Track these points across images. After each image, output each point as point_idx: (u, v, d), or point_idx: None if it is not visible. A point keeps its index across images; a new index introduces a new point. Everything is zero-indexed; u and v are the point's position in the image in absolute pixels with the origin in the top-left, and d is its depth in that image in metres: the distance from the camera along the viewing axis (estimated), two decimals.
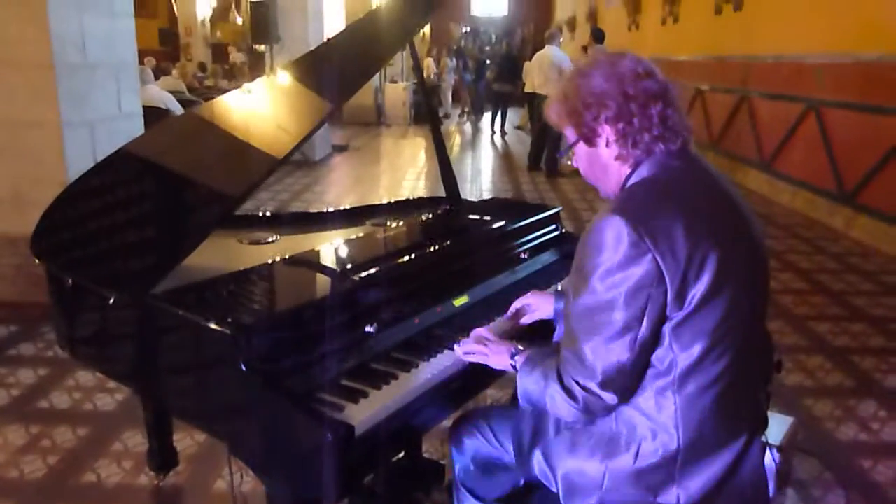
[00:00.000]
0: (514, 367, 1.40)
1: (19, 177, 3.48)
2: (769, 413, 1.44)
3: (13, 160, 3.47)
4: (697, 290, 1.16)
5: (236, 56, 12.73)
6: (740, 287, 1.22)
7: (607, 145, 1.29)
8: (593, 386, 1.19)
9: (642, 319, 1.15)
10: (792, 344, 3.45)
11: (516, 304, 1.72)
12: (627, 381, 1.20)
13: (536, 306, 1.70)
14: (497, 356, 1.45)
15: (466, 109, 15.98)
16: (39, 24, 3.27)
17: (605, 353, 1.17)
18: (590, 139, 1.30)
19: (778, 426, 2.05)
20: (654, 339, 1.18)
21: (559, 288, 2.00)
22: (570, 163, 1.40)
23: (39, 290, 2.30)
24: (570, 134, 1.35)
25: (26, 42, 3.30)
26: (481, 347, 1.48)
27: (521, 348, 1.42)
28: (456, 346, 1.53)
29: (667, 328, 1.18)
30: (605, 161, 1.31)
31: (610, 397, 1.19)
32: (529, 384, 1.31)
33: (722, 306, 1.19)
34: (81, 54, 3.52)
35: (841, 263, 4.83)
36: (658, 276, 1.14)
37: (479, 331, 1.54)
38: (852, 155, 5.55)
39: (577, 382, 1.21)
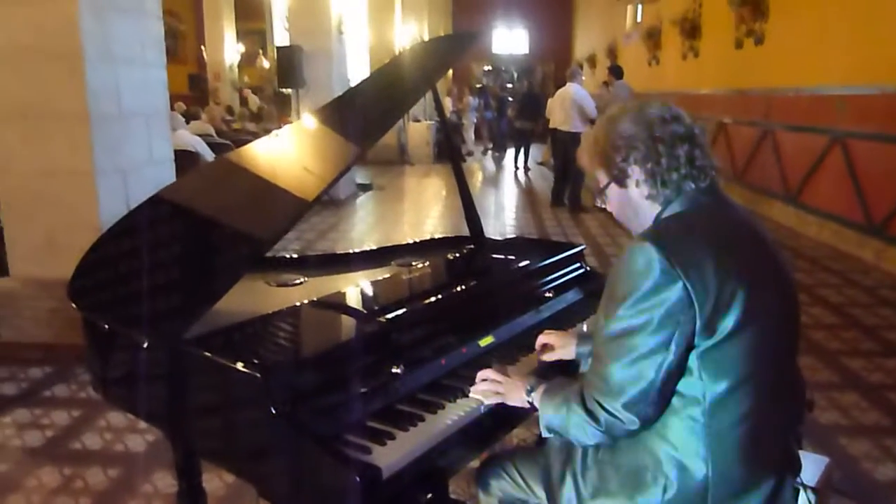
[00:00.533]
0: (530, 403, 1.41)
1: (54, 223, 3.59)
2: (803, 453, 1.43)
3: (49, 207, 3.59)
4: (727, 322, 1.18)
5: (253, 101, 12.95)
6: (770, 323, 1.25)
7: (637, 186, 1.33)
8: (616, 407, 1.21)
9: (670, 344, 1.18)
10: (825, 381, 3.38)
11: (541, 339, 1.74)
12: (651, 406, 1.21)
13: (559, 345, 1.72)
14: (513, 392, 1.46)
15: (489, 147, 16.14)
16: (77, 78, 3.40)
17: (631, 374, 1.20)
18: (620, 180, 1.35)
19: (812, 467, 1.99)
20: (681, 367, 1.20)
21: (584, 328, 2.00)
22: (602, 206, 1.45)
23: (73, 333, 2.37)
24: (601, 177, 1.40)
25: (64, 95, 3.44)
26: (496, 386, 1.49)
27: (538, 382, 1.43)
28: (471, 390, 1.52)
29: (695, 356, 1.20)
30: (636, 201, 1.36)
31: (631, 420, 1.21)
32: (550, 411, 1.33)
33: (751, 341, 1.20)
34: (116, 105, 3.65)
35: (873, 297, 4.74)
36: (688, 302, 1.17)
37: (486, 372, 1.53)
38: (880, 186, 5.49)
39: (599, 404, 1.23)
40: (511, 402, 1.46)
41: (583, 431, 1.26)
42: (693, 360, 1.20)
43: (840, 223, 6.08)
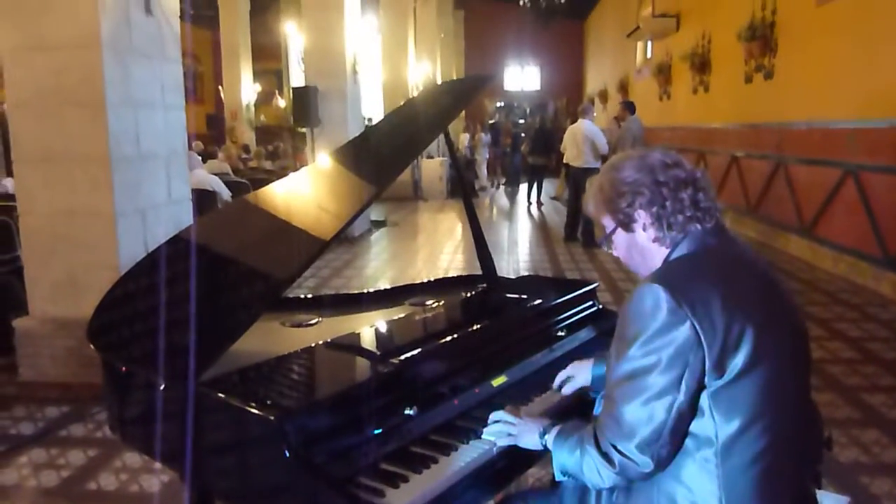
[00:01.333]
0: (543, 445, 1.41)
1: (74, 263, 3.66)
2: (823, 493, 1.41)
3: (70, 247, 3.65)
4: (736, 362, 1.19)
5: (258, 151, 12.91)
6: (780, 362, 1.25)
7: (644, 230, 1.37)
8: (630, 448, 1.21)
9: (680, 384, 1.19)
10: (844, 418, 3.33)
11: (560, 377, 1.76)
12: (664, 447, 1.21)
13: (576, 374, 1.74)
14: (526, 434, 1.46)
15: (502, 182, 16.27)
16: (98, 122, 3.50)
17: (643, 415, 1.21)
18: (626, 225, 1.38)
19: None
20: (692, 407, 1.21)
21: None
22: (609, 251, 1.47)
23: (90, 372, 2.39)
24: (607, 223, 1.43)
25: (86, 138, 3.53)
26: (508, 427, 1.49)
27: (551, 424, 1.43)
28: (484, 431, 1.52)
29: (706, 396, 1.21)
30: (643, 245, 1.38)
31: (645, 462, 1.21)
32: (564, 454, 1.34)
33: (761, 380, 1.21)
34: (135, 147, 3.74)
35: (892, 331, 4.68)
36: (696, 342, 1.18)
37: (498, 413, 1.53)
38: (894, 219, 5.46)
39: (614, 446, 1.23)
40: (524, 445, 1.46)
41: (597, 474, 1.27)
42: (705, 401, 1.21)
43: (856, 256, 6.04)
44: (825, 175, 6.51)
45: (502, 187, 16.32)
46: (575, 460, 1.30)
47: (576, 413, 1.69)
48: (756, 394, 1.20)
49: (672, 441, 1.21)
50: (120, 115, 3.61)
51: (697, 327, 1.18)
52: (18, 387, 3.79)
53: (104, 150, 3.53)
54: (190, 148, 6.31)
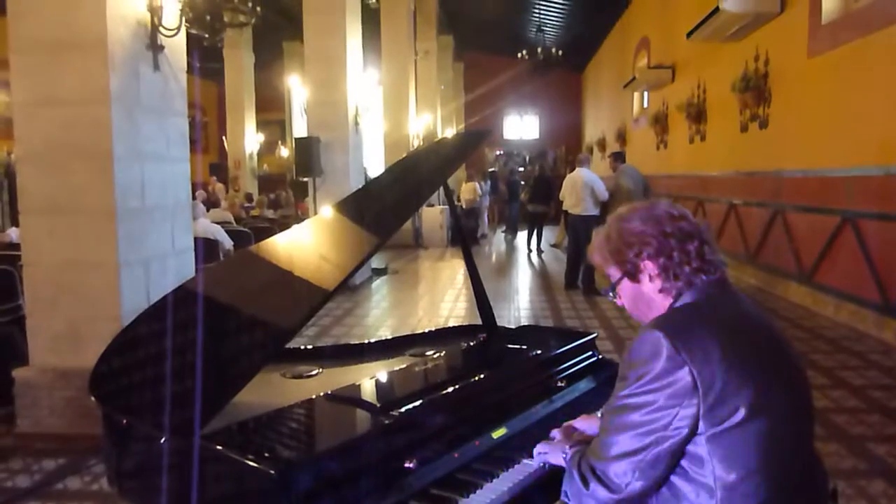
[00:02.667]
0: (566, 461, 1.49)
1: (76, 314, 3.67)
2: None
3: (72, 298, 3.67)
4: (734, 413, 1.21)
5: (260, 200, 12.95)
6: (780, 416, 1.26)
7: (650, 280, 1.40)
8: (605, 471, 1.28)
9: (669, 426, 1.22)
10: (850, 468, 3.29)
11: (566, 424, 1.77)
12: (637, 480, 1.25)
13: (583, 427, 1.74)
14: (554, 454, 1.56)
15: (502, 230, 16.41)
16: (105, 175, 3.56)
17: (625, 446, 1.25)
18: (633, 275, 1.42)
19: None
20: (678, 451, 1.24)
21: (599, 415, 2.00)
22: (615, 300, 1.51)
23: (88, 423, 2.37)
24: (613, 272, 1.46)
25: (92, 190, 3.58)
26: (543, 447, 1.60)
27: (573, 444, 1.53)
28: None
29: (704, 442, 1.22)
30: (648, 295, 1.41)
31: (617, 486, 1.26)
32: (567, 478, 1.40)
33: (761, 432, 1.22)
34: (141, 199, 3.80)
35: (895, 378, 4.65)
36: (692, 388, 1.21)
37: (554, 432, 1.67)
38: (894, 266, 5.48)
39: (592, 469, 1.31)
40: (553, 462, 1.56)
41: (579, 497, 1.32)
42: (703, 448, 1.22)
43: (857, 303, 6.04)
44: (823, 222, 6.57)
45: (502, 234, 16.44)
46: (567, 482, 1.37)
47: None
48: (756, 445, 1.22)
49: (647, 476, 1.25)
50: (126, 167, 3.67)
51: (695, 374, 1.21)
52: (16, 438, 3.75)
53: (110, 202, 3.58)
54: (193, 197, 6.40)
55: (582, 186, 8.26)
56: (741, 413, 1.21)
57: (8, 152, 9.28)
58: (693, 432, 1.22)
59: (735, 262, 8.85)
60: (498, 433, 1.77)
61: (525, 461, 1.65)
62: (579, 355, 2.25)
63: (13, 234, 6.72)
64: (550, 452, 1.57)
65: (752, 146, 8.40)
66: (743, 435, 1.21)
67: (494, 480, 1.56)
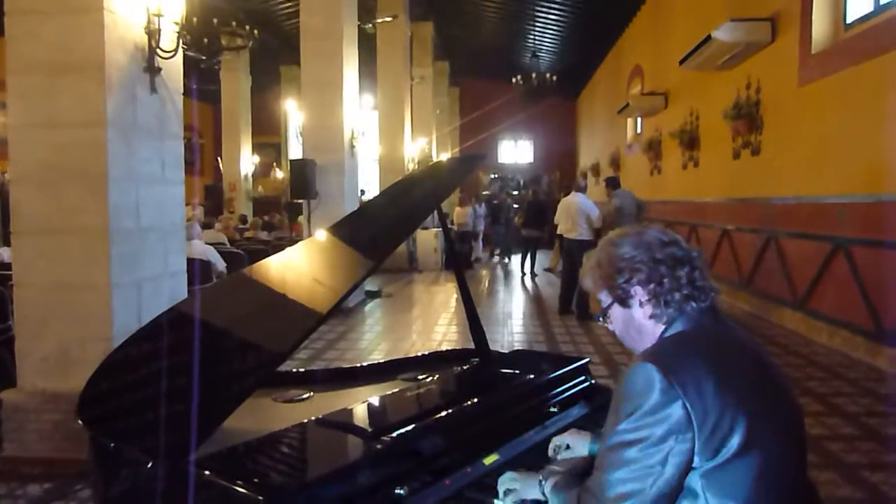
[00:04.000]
0: (542, 493, 1.48)
1: (66, 336, 3.63)
2: None
3: (62, 320, 3.64)
4: (729, 446, 1.19)
5: (255, 222, 12.90)
6: (775, 447, 1.25)
7: (641, 306, 1.39)
8: None
9: (666, 461, 1.20)
10: (846, 497, 3.26)
11: (556, 443, 1.78)
12: None
13: (573, 445, 1.76)
14: (527, 485, 1.53)
15: (497, 253, 16.46)
16: (99, 196, 3.55)
17: (625, 486, 1.22)
18: (623, 300, 1.41)
19: None
20: (676, 485, 1.21)
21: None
22: (605, 325, 1.50)
23: (75, 447, 2.34)
24: (604, 298, 1.46)
25: (86, 211, 3.57)
26: (512, 484, 1.56)
27: (549, 473, 1.50)
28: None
29: (698, 477, 1.20)
30: (639, 321, 1.41)
31: None
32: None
33: (755, 464, 1.20)
34: (135, 220, 3.79)
35: (892, 405, 4.64)
36: (687, 422, 1.19)
37: (502, 478, 1.60)
38: (886, 293, 5.50)
39: None
40: (528, 497, 1.52)
41: None
42: (697, 482, 1.21)
43: (850, 330, 6.05)
44: (816, 249, 6.60)
45: (496, 257, 16.48)
46: None
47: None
48: (750, 478, 1.20)
49: None
50: (121, 189, 3.67)
51: (689, 407, 1.19)
52: (1, 462, 3.69)
53: (104, 223, 3.57)
54: (189, 219, 6.40)
55: (577, 211, 8.30)
56: (735, 446, 1.19)
57: (2, 172, 9.27)
58: (689, 467, 1.21)
59: (729, 288, 8.87)
60: (489, 459, 1.75)
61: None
62: (572, 380, 2.24)
63: (4, 254, 6.68)
64: (521, 488, 1.54)
65: (744, 173, 8.47)
66: (737, 469, 1.20)
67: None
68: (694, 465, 1.20)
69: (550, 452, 1.78)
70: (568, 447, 1.77)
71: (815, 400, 4.75)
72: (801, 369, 5.60)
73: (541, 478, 1.50)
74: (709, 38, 7.93)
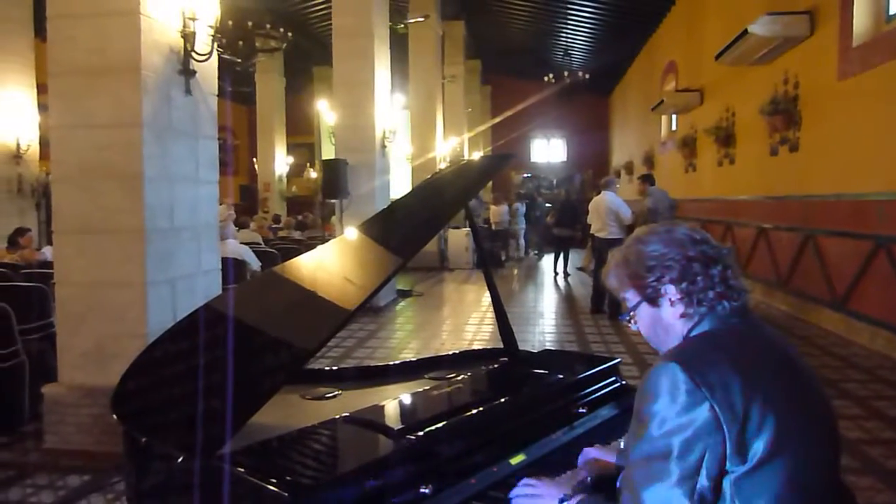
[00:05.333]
0: None
1: (103, 332, 3.72)
2: None
3: (99, 317, 3.73)
4: (757, 448, 1.15)
5: (288, 221, 12.93)
6: (805, 449, 1.20)
7: (671, 305, 1.34)
8: None
9: (700, 469, 1.14)
10: (885, 503, 3.17)
11: (585, 454, 1.72)
12: None
13: (598, 462, 1.69)
14: (545, 499, 1.46)
15: (534, 252, 16.48)
16: (135, 196, 3.63)
17: (663, 501, 1.15)
18: (653, 300, 1.36)
19: None
20: (716, 492, 1.16)
21: (622, 445, 1.96)
22: (632, 324, 1.44)
23: (113, 440, 2.40)
24: (631, 297, 1.41)
25: (122, 211, 3.66)
26: (530, 489, 1.50)
27: (571, 494, 1.43)
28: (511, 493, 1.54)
29: (728, 483, 1.16)
30: (667, 321, 1.36)
31: None
32: None
33: (785, 468, 1.16)
34: (170, 220, 3.87)
35: None
36: (716, 424, 1.14)
37: (527, 480, 1.55)
38: None
39: None
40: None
41: None
42: (727, 488, 1.16)
43: (892, 331, 5.87)
44: (856, 247, 6.43)
45: (533, 256, 16.48)
46: None
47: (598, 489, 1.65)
48: (780, 481, 1.16)
49: None
50: (157, 189, 3.74)
51: (717, 409, 1.14)
52: (43, 454, 3.81)
53: (140, 222, 3.65)
54: (227, 212, 6.50)
55: (606, 210, 8.21)
56: (764, 449, 1.15)
57: (46, 173, 9.56)
58: (722, 472, 1.15)
59: (765, 288, 8.69)
60: (516, 459, 1.74)
61: None
62: (601, 381, 2.22)
63: (48, 252, 6.88)
64: (540, 498, 1.47)
65: (782, 170, 8.29)
66: (766, 474, 1.15)
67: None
68: (726, 468, 1.15)
69: (580, 463, 1.72)
70: (590, 462, 1.69)
71: (854, 403, 4.63)
72: (839, 371, 5.46)
73: (562, 495, 1.44)
74: (745, 32, 7.78)
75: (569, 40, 18.00)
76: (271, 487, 1.37)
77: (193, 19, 3.90)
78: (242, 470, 1.45)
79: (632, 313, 1.42)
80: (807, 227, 7.55)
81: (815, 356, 5.95)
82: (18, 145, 9.32)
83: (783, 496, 1.16)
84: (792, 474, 1.17)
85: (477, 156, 18.04)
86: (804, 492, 1.18)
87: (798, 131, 7.78)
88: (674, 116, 14.45)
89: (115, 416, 1.86)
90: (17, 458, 3.83)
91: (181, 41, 3.91)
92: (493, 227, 15.27)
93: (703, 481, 1.15)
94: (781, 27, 7.55)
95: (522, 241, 16.69)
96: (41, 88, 9.38)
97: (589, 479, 1.64)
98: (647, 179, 8.93)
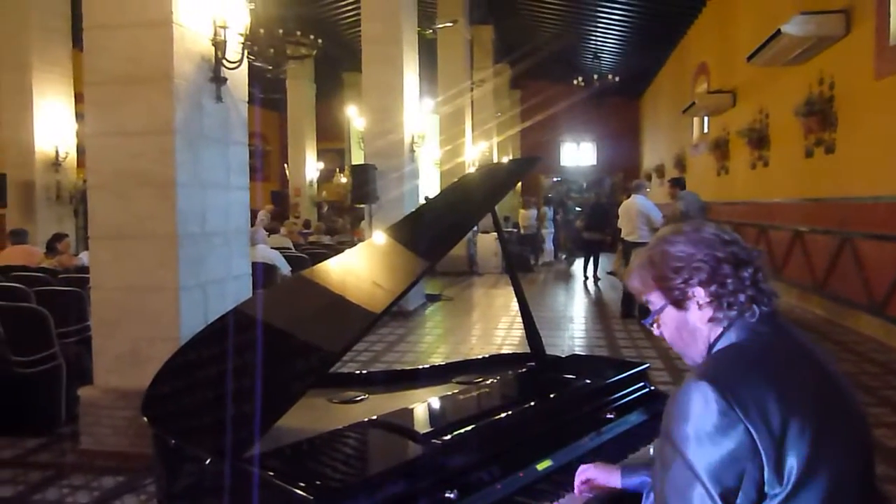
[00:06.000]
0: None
1: (137, 336, 3.79)
2: None
3: (134, 321, 3.80)
4: (793, 464, 1.09)
5: (318, 227, 13.04)
6: (843, 463, 1.14)
7: (699, 308, 1.28)
8: None
9: (737, 495, 1.08)
10: None
11: (580, 478, 1.61)
12: None
13: (602, 480, 1.58)
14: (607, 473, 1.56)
15: (564, 256, 16.38)
16: (168, 202, 3.70)
17: None
18: (680, 303, 1.30)
19: None
20: None
21: (651, 452, 1.92)
22: (655, 328, 1.37)
23: (146, 442, 2.45)
24: (655, 299, 1.34)
25: (155, 217, 3.73)
26: (587, 473, 1.58)
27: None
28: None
29: None
30: (694, 325, 1.29)
31: None
32: None
33: (823, 484, 1.10)
34: (201, 225, 3.92)
35: None
36: (752, 448, 1.08)
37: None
38: None
39: None
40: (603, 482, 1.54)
41: None
42: None
43: None
44: (895, 250, 6.26)
45: (563, 260, 16.38)
46: None
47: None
48: (819, 498, 1.10)
49: None
50: (188, 195, 3.80)
51: (752, 430, 1.08)
52: (79, 455, 3.89)
53: (172, 228, 3.71)
54: (253, 224, 6.59)
55: (636, 214, 8.13)
56: (801, 467, 1.09)
57: (83, 180, 9.81)
58: (761, 496, 1.09)
59: (801, 293, 8.51)
60: (543, 465, 1.73)
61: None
62: (630, 386, 2.19)
63: (84, 257, 7.05)
64: (600, 476, 1.55)
65: (817, 172, 8.11)
66: (806, 490, 1.09)
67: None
68: (766, 492, 1.09)
69: (576, 485, 1.62)
70: (589, 482, 1.60)
71: (893, 410, 4.50)
72: (878, 377, 5.31)
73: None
74: (778, 32, 7.64)
75: (598, 43, 17.88)
76: (299, 491, 1.38)
77: (224, 28, 3.96)
78: (271, 473, 1.47)
79: (656, 317, 1.35)
80: (843, 230, 7.37)
81: (853, 362, 5.80)
82: (57, 153, 9.56)
83: None
84: (831, 490, 1.11)
85: (505, 160, 18.03)
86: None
87: (834, 132, 7.61)
88: (705, 119, 14.25)
89: (145, 419, 1.89)
90: (55, 458, 3.91)
91: (212, 49, 3.98)
92: (522, 231, 15.21)
93: None
94: (816, 27, 7.40)
95: (551, 246, 16.59)
96: (78, 98, 9.62)
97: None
98: (678, 183, 8.80)
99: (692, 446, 1.11)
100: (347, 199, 16.41)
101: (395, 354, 6.63)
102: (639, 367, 2.29)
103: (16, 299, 4.66)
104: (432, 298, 10.14)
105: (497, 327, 8.06)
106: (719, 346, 1.27)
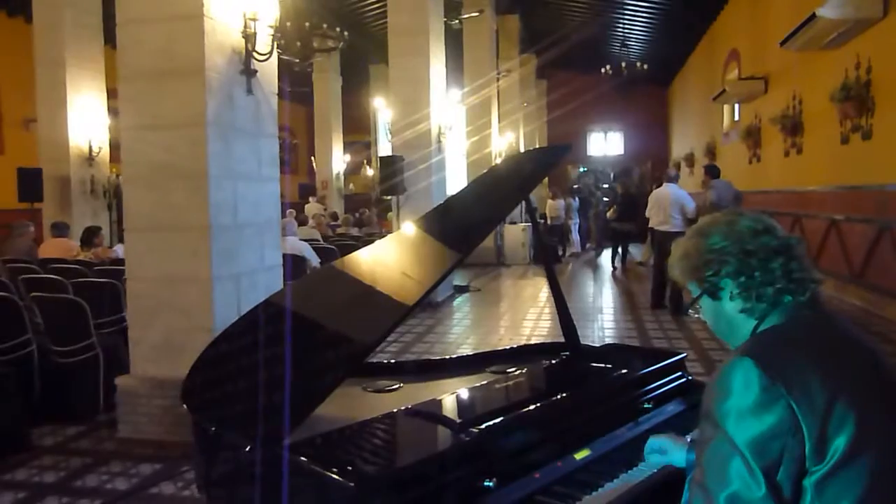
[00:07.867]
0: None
1: (172, 326, 3.85)
2: None
3: (169, 311, 3.86)
4: (839, 444, 1.08)
5: (346, 219, 13.09)
6: (889, 447, 1.13)
7: (731, 299, 1.31)
8: None
9: (779, 470, 1.09)
10: None
11: (652, 447, 1.66)
12: None
13: (669, 450, 1.63)
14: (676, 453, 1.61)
15: (593, 247, 16.26)
16: (201, 194, 3.75)
17: None
18: (713, 293, 1.34)
19: None
20: (795, 494, 1.10)
21: (689, 441, 1.90)
22: (695, 315, 1.43)
23: (183, 430, 2.49)
24: (692, 289, 1.39)
25: (189, 209, 3.77)
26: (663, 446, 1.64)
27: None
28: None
29: (809, 484, 1.09)
30: (729, 314, 1.33)
31: None
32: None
33: (868, 466, 1.09)
34: (233, 217, 3.96)
35: None
36: (794, 423, 1.08)
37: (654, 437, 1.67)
38: None
39: None
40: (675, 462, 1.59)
41: None
42: (809, 489, 1.10)
43: None
44: None
45: (592, 251, 16.26)
46: None
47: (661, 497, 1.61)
48: (865, 481, 1.08)
49: None
50: (220, 187, 3.84)
51: (794, 407, 1.09)
52: (117, 443, 3.97)
53: (205, 219, 3.76)
54: (284, 216, 6.65)
55: (670, 203, 8.02)
56: (846, 447, 1.08)
57: (116, 174, 9.97)
58: (802, 472, 1.09)
59: (837, 283, 8.34)
60: (581, 455, 1.72)
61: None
62: (667, 376, 2.16)
63: (119, 250, 7.18)
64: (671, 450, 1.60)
65: (854, 159, 7.92)
66: (850, 473, 1.08)
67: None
68: (807, 468, 1.09)
69: (646, 454, 1.68)
70: (664, 451, 1.64)
71: None
72: None
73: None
74: (813, 16, 7.45)
75: (626, 31, 17.62)
76: (336, 477, 1.38)
77: (254, 20, 3.99)
78: (307, 460, 1.47)
79: (695, 305, 1.40)
80: (881, 218, 7.19)
81: (892, 353, 5.67)
82: (91, 148, 9.72)
83: (869, 498, 1.09)
84: (877, 472, 1.10)
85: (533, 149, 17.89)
86: (891, 489, 1.11)
87: (871, 118, 7.42)
88: (736, 106, 13.98)
89: (185, 407, 1.91)
90: (94, 446, 4.01)
91: (242, 42, 4.00)
92: (549, 221, 15.13)
93: (783, 482, 1.09)
94: (853, 9, 7.20)
95: (576, 237, 16.45)
96: (111, 93, 9.77)
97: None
98: (711, 171, 8.64)
99: (733, 420, 1.12)
100: (374, 190, 16.48)
101: (424, 345, 6.64)
102: (675, 356, 2.26)
103: (55, 291, 4.76)
104: (460, 289, 10.14)
105: (525, 318, 8.04)
106: (762, 329, 1.29)
